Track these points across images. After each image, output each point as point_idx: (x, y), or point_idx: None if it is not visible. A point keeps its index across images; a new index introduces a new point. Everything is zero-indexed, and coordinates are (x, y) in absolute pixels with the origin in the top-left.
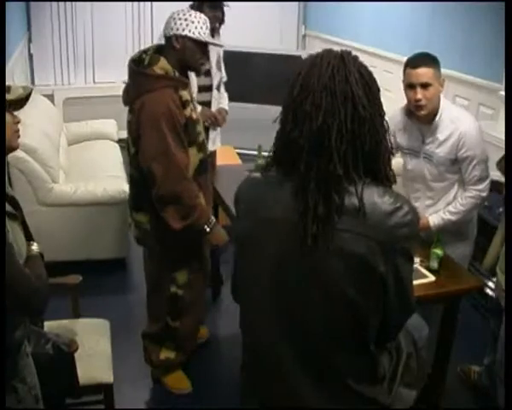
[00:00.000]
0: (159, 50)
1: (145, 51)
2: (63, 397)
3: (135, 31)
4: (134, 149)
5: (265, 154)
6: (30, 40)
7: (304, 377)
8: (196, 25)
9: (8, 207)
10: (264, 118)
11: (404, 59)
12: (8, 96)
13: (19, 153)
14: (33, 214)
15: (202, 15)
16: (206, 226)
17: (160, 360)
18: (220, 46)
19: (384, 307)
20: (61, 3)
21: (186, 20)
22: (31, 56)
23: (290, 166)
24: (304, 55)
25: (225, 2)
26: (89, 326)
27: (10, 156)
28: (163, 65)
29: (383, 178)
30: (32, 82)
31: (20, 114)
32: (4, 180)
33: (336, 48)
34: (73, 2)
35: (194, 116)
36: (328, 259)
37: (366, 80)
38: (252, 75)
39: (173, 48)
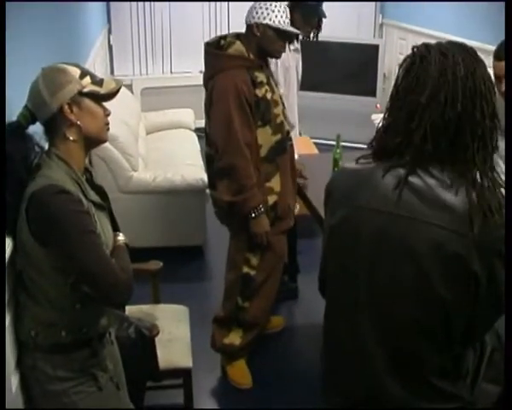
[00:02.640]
0: (237, 36)
1: (223, 37)
2: (144, 380)
3: (212, 22)
4: (208, 127)
5: (344, 144)
6: (110, 32)
7: (388, 372)
8: (277, 14)
9: (96, 197)
10: (341, 108)
11: (488, 47)
12: (101, 90)
13: None
14: (113, 202)
15: (283, 5)
16: (252, 212)
17: (224, 344)
18: (298, 34)
19: (474, 307)
20: None
21: (267, 8)
22: (110, 47)
23: (397, 157)
24: (381, 44)
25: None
26: (169, 312)
27: None
28: (237, 47)
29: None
30: (112, 72)
31: None
32: (5, 180)
33: (414, 37)
34: None
35: (269, 97)
36: (423, 253)
37: (482, 72)
38: (328, 64)
39: (253, 35)
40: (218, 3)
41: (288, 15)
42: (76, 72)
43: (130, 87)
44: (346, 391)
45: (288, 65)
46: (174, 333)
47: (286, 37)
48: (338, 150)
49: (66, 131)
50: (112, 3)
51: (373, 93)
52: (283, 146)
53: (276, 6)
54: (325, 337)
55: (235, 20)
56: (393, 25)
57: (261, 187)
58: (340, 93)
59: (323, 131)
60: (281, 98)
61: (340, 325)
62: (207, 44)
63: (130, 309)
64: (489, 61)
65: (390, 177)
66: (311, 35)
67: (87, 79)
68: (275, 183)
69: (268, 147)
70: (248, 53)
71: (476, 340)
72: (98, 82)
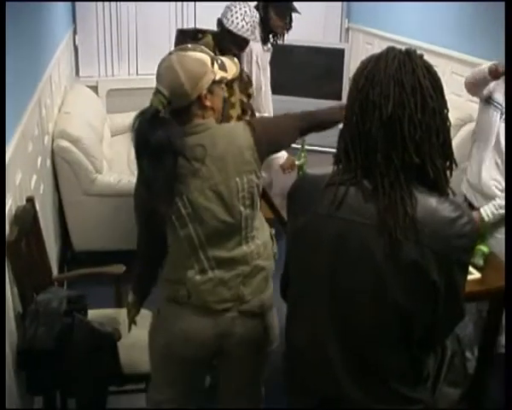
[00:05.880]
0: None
1: (201, 31)
2: (107, 384)
3: (178, 23)
4: None
5: (309, 148)
6: (75, 32)
7: (348, 377)
8: (237, 15)
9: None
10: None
11: (451, 52)
12: (228, 75)
13: (63, 142)
14: (77, 204)
15: (247, 11)
16: None
17: None
18: (250, 40)
19: (434, 314)
20: None
21: (231, 10)
22: (76, 48)
23: (353, 162)
24: (347, 48)
25: (295, 5)
26: None
27: (55, 146)
28: (207, 40)
29: (442, 179)
30: (77, 73)
31: (64, 104)
32: (4, 180)
33: (380, 41)
34: None
35: (225, 96)
36: (381, 260)
37: (432, 74)
38: (294, 68)
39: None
40: (184, 4)
41: (249, 21)
42: (207, 59)
43: (95, 89)
44: (308, 393)
45: (265, 65)
46: (137, 338)
47: (242, 41)
48: (303, 154)
49: (202, 113)
50: (77, 3)
51: (338, 97)
52: None
53: (237, 10)
54: (287, 341)
55: (201, 22)
56: (359, 29)
57: None
58: (306, 97)
59: None
60: (242, 102)
61: (301, 328)
62: (181, 32)
63: (92, 313)
64: (451, 66)
65: (347, 183)
66: (283, 34)
67: (216, 66)
68: None
69: None
70: (215, 49)
71: (436, 345)
72: (222, 66)
